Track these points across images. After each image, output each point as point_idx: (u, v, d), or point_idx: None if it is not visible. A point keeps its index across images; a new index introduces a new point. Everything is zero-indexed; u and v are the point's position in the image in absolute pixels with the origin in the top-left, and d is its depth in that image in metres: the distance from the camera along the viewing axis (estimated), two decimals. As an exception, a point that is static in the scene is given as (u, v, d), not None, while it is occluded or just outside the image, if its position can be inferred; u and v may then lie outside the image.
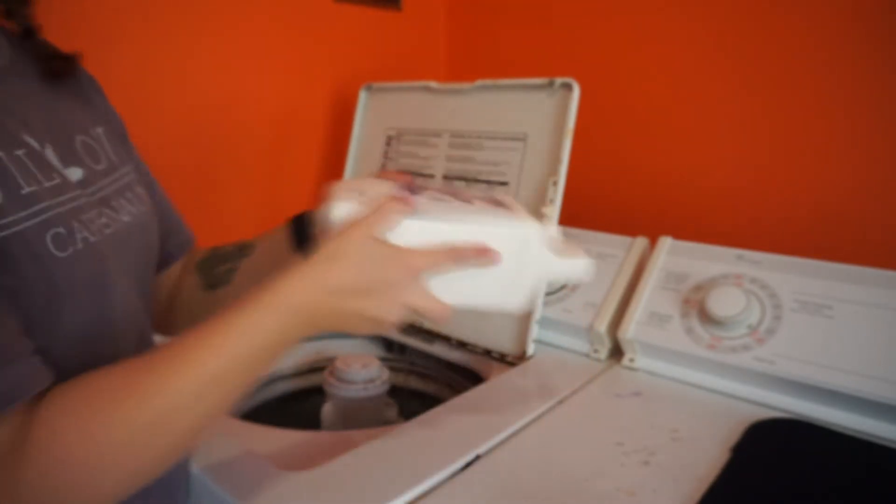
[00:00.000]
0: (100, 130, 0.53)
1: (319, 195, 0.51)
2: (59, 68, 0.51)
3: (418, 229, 0.47)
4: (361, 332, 0.47)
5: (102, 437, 0.35)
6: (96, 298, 0.44)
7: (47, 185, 0.42)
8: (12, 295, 0.38)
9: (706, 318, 0.70)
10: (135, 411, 0.37)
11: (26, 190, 0.40)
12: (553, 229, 0.54)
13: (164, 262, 0.63)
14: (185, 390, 0.38)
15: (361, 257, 0.44)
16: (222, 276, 0.62)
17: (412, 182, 0.54)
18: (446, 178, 0.91)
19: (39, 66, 0.50)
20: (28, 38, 0.50)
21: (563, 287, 0.83)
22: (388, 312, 0.45)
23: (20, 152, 0.41)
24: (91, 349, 0.44)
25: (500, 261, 0.48)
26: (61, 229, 0.41)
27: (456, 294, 0.49)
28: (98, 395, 0.37)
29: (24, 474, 0.34)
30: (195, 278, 0.64)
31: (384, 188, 0.49)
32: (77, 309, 0.42)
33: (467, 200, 0.53)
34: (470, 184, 0.88)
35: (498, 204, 0.53)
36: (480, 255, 0.48)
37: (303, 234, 0.57)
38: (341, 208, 0.46)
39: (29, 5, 0.50)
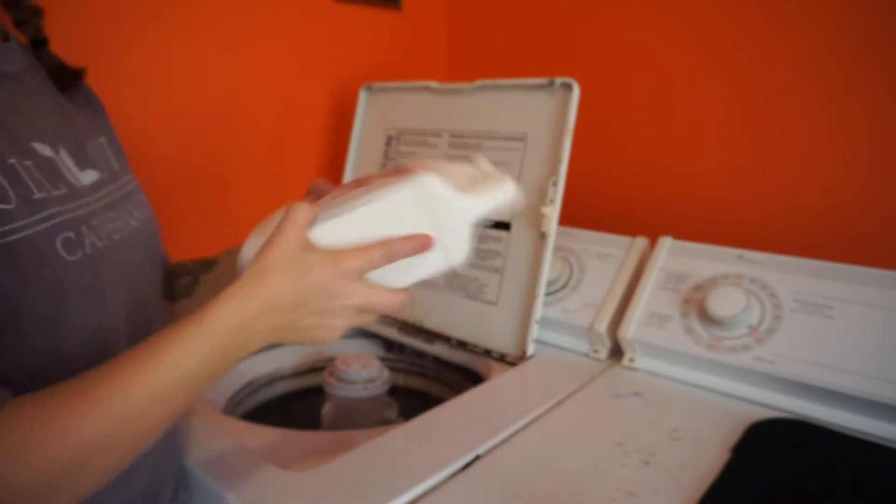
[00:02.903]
0: (102, 140, 0.54)
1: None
2: (67, 81, 0.52)
3: (329, 229, 0.45)
4: (320, 342, 0.46)
5: (35, 464, 0.35)
6: (105, 301, 0.45)
7: (56, 192, 0.43)
8: (20, 296, 0.38)
9: (706, 318, 0.70)
10: (73, 433, 0.36)
11: (38, 195, 0.41)
12: (470, 166, 0.51)
13: None
14: (125, 409, 0.37)
15: (289, 268, 0.43)
16: (182, 288, 0.63)
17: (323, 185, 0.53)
18: (446, 178, 0.91)
19: (50, 76, 0.51)
20: (37, 48, 0.51)
21: (563, 286, 0.83)
22: (342, 321, 0.45)
23: (29, 162, 0.41)
24: (98, 349, 0.44)
25: (433, 245, 0.47)
26: (71, 234, 0.42)
27: (400, 276, 0.48)
28: (37, 417, 0.36)
29: None
30: None
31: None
32: (84, 310, 0.43)
33: (365, 184, 0.51)
34: (470, 184, 0.88)
35: (400, 171, 0.50)
36: (413, 244, 0.47)
37: None
38: (251, 245, 0.46)
39: (40, 17, 0.51)
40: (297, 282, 0.43)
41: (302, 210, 0.44)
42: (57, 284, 0.40)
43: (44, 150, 0.44)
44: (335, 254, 0.44)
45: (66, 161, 0.46)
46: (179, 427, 0.58)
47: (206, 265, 0.63)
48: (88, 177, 0.48)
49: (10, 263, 0.38)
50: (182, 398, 0.40)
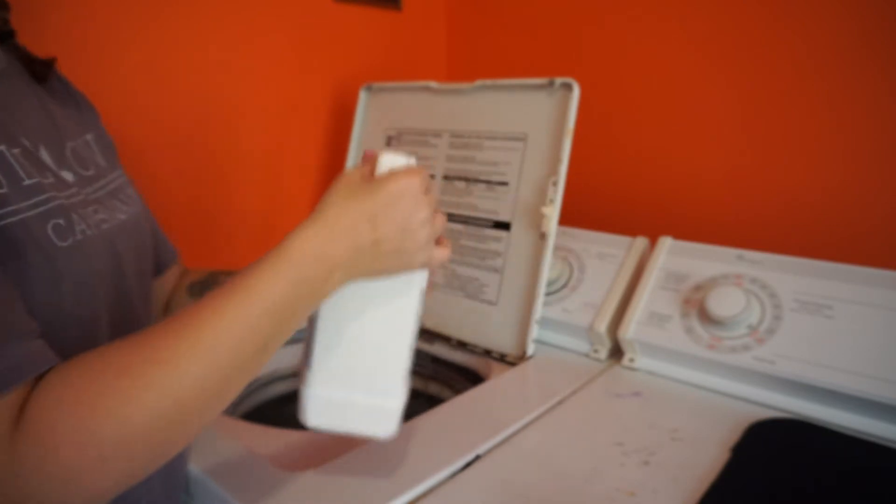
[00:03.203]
0: (89, 137, 0.54)
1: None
2: (39, 72, 0.52)
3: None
4: (410, 265, 0.44)
5: (98, 423, 0.33)
6: (93, 289, 0.44)
7: (45, 181, 0.43)
8: (18, 280, 0.38)
9: (706, 318, 0.70)
10: (139, 390, 0.34)
11: (27, 182, 0.41)
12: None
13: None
14: (196, 362, 0.35)
15: (356, 194, 0.42)
16: None
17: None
18: (446, 178, 0.91)
19: (24, 69, 0.51)
20: (3, 41, 0.51)
21: (563, 286, 0.83)
22: (425, 232, 0.43)
23: (17, 151, 0.41)
24: (83, 339, 0.44)
25: None
26: (61, 220, 0.42)
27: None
28: (98, 374, 0.34)
29: (16, 460, 0.32)
30: (188, 300, 0.64)
31: None
32: (76, 298, 0.43)
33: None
34: (470, 184, 0.88)
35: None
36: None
37: None
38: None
39: (6, 9, 0.51)
40: (366, 202, 0.42)
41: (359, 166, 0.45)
42: (51, 270, 0.40)
43: (28, 144, 0.44)
44: (394, 175, 0.43)
45: (46, 159, 0.46)
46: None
47: None
48: (66, 177, 0.48)
49: (7, 248, 0.38)
50: (270, 330, 0.38)
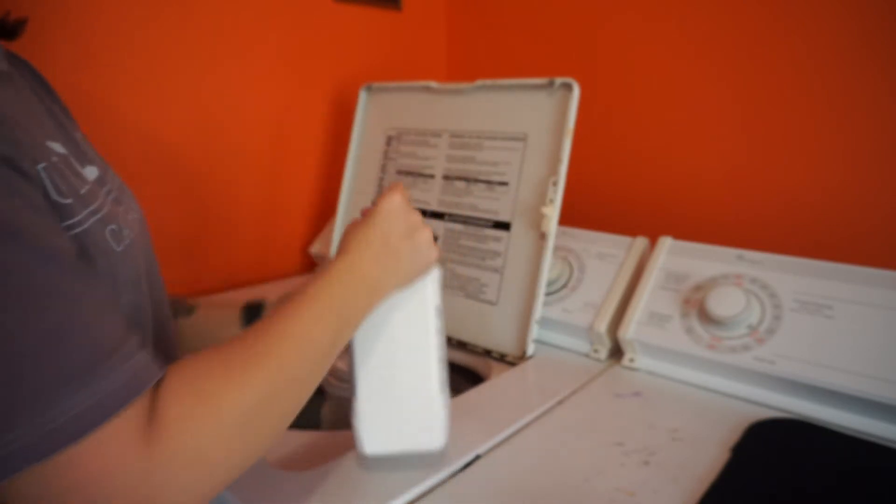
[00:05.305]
0: (78, 136, 0.54)
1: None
2: (9, 31, 0.52)
3: None
4: (430, 260, 0.52)
5: (222, 411, 0.36)
6: (141, 287, 0.47)
7: (87, 187, 0.44)
8: None
9: (706, 318, 0.70)
10: (249, 380, 0.38)
11: (83, 190, 0.42)
12: None
13: None
14: (287, 355, 0.40)
15: (360, 225, 0.50)
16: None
17: None
18: (446, 178, 0.91)
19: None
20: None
21: (563, 286, 0.83)
22: (426, 234, 0.52)
23: (56, 160, 0.42)
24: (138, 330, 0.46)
25: None
26: (114, 226, 0.44)
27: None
28: (211, 372, 0.37)
29: (155, 458, 0.33)
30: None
31: None
32: (129, 298, 0.45)
33: None
34: (470, 183, 0.88)
35: None
36: None
37: (253, 318, 0.64)
38: None
39: None
40: (370, 228, 0.50)
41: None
42: (112, 275, 0.42)
43: (58, 148, 0.44)
44: (380, 198, 0.51)
45: (74, 162, 0.46)
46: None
47: (189, 310, 0.66)
48: (91, 173, 0.48)
49: (82, 255, 0.39)
50: (337, 326, 0.45)
